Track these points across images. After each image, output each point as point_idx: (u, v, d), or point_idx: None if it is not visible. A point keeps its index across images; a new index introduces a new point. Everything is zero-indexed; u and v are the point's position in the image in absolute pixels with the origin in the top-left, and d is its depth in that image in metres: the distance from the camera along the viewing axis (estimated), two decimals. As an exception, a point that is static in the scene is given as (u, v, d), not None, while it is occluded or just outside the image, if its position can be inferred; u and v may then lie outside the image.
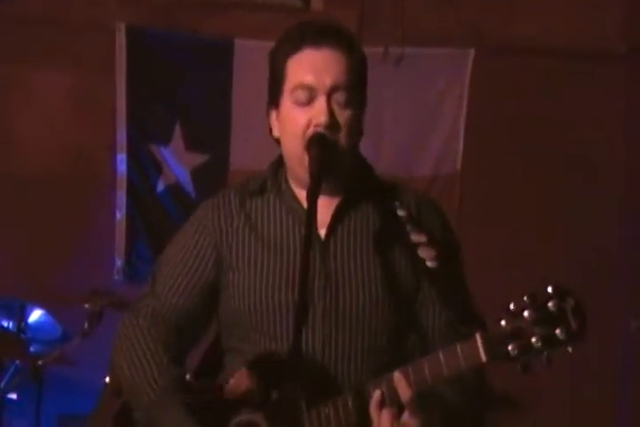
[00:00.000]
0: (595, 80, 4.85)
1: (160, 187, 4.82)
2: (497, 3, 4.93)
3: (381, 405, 1.91)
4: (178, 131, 4.82)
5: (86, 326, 3.72)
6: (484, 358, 1.81)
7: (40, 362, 3.80)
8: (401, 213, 2.07)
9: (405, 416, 1.90)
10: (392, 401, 1.90)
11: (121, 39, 4.80)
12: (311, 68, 2.03)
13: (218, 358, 2.17)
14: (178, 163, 4.83)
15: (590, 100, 4.88)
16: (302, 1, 4.93)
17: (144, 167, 4.82)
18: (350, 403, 1.93)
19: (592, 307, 4.81)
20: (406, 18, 4.87)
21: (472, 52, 4.85)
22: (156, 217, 4.76)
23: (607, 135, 4.92)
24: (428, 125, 4.90)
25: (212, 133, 4.84)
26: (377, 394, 1.91)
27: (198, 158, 4.84)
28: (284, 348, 2.00)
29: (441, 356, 1.87)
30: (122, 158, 4.80)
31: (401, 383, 1.88)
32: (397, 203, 2.08)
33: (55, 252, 4.63)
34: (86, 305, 3.69)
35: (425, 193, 2.24)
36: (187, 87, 4.83)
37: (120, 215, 4.79)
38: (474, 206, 4.80)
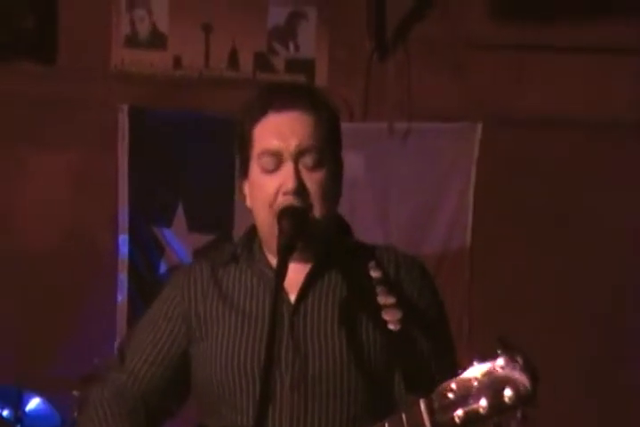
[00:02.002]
0: (606, 151, 4.75)
1: (162, 268, 4.73)
2: (503, 75, 4.87)
3: None
4: (180, 212, 4.76)
5: (76, 414, 3.59)
6: (428, 426, 1.68)
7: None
8: (374, 274, 1.97)
9: None
10: None
11: (123, 120, 4.78)
12: (276, 133, 1.97)
13: None
14: (180, 244, 4.74)
15: (601, 172, 4.77)
16: (306, 78, 4.89)
17: (146, 249, 4.74)
18: None
19: (614, 384, 4.62)
20: (412, 93, 4.83)
21: (479, 126, 4.77)
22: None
23: (621, 205, 4.78)
24: (435, 201, 4.78)
25: (215, 214, 4.76)
26: None
27: (201, 239, 4.74)
28: (250, 422, 1.89)
29: (386, 425, 1.75)
30: (124, 239, 4.72)
31: None
32: (372, 264, 1.98)
33: (53, 334, 4.54)
34: (74, 392, 3.57)
35: (408, 253, 2.13)
36: (189, 167, 4.77)
37: (121, 298, 4.69)
38: (485, 283, 4.66)
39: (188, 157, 4.77)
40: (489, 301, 4.59)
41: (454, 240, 4.75)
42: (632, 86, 4.87)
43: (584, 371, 4.61)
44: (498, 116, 4.76)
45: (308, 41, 4.93)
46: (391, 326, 1.89)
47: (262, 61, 4.92)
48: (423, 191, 4.77)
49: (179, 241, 4.74)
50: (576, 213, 4.77)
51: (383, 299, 1.92)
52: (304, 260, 2.00)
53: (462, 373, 1.65)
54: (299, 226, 1.91)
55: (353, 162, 4.69)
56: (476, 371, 1.63)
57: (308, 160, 1.96)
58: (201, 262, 2.12)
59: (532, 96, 4.84)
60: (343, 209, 2.11)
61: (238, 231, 4.69)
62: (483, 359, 1.63)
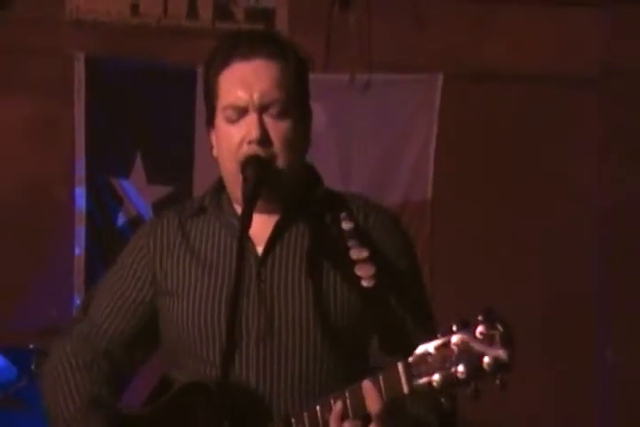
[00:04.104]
0: (567, 104, 4.75)
1: (120, 220, 4.66)
2: (466, 27, 4.84)
3: (343, 417, 1.76)
4: (139, 162, 4.69)
5: (33, 366, 3.54)
6: (405, 389, 1.67)
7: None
8: (346, 225, 1.94)
9: None
10: (356, 413, 1.75)
11: (80, 69, 4.67)
12: (241, 83, 1.93)
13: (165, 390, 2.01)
14: (139, 195, 4.67)
15: (563, 125, 4.78)
16: (266, 28, 4.80)
17: (104, 201, 4.66)
18: None
19: (569, 337, 4.75)
20: (373, 44, 4.79)
21: (441, 77, 4.74)
22: (117, 252, 4.59)
23: (581, 159, 4.82)
24: (397, 152, 4.76)
25: (174, 165, 4.70)
26: (338, 406, 1.76)
27: (161, 191, 4.68)
28: (218, 374, 1.86)
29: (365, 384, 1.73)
30: (81, 192, 4.65)
31: (371, 394, 1.73)
32: (343, 215, 1.95)
33: (10, 288, 4.46)
34: (31, 346, 3.52)
35: (377, 203, 2.10)
36: (148, 117, 4.69)
37: (79, 251, 4.62)
38: (446, 234, 4.67)
39: (146, 107, 4.68)
40: (449, 252, 4.60)
41: (415, 191, 4.74)
42: (593, 40, 4.87)
43: (538, 319, 4.67)
44: (458, 69, 4.74)
45: (269, -10, 4.86)
46: (364, 283, 1.86)
47: (221, 10, 4.84)
48: (384, 143, 4.75)
49: (137, 193, 4.67)
50: (535, 165, 4.79)
51: (356, 253, 1.89)
52: (271, 211, 1.97)
53: (442, 337, 1.63)
54: (262, 174, 1.89)
55: (313, 113, 4.63)
56: (455, 336, 1.61)
57: (273, 110, 1.93)
58: (168, 214, 2.08)
59: (493, 48, 4.82)
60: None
61: (198, 184, 4.65)
62: (463, 325, 1.61)
